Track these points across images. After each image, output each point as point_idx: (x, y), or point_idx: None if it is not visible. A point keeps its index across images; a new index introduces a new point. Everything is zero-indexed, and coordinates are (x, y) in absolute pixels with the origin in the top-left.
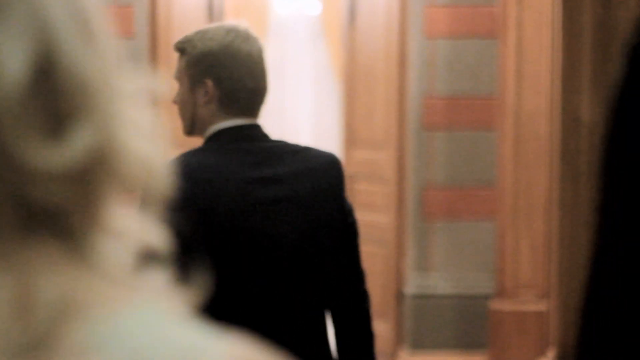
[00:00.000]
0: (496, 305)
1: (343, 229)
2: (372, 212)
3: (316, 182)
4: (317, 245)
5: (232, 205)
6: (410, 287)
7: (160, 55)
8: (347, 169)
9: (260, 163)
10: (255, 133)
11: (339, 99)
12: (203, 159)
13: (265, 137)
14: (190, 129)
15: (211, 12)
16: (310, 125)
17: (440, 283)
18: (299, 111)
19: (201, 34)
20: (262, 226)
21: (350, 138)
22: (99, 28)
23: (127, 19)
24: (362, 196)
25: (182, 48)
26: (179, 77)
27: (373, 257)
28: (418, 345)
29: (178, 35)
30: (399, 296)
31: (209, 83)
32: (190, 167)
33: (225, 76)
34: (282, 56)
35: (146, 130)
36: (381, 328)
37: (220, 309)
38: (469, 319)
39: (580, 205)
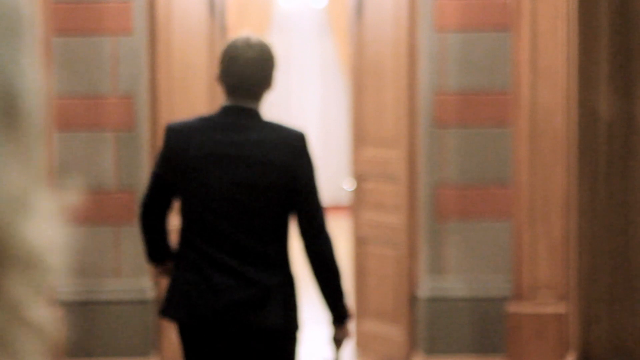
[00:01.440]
0: (513, 308)
1: (297, 186)
2: (383, 213)
3: (275, 150)
4: (273, 194)
5: (200, 159)
6: (424, 290)
7: (160, 52)
8: (356, 168)
9: (231, 130)
10: (240, 111)
11: (347, 95)
12: (188, 123)
13: (248, 114)
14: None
15: (212, 8)
16: (318, 121)
17: (455, 285)
18: (306, 108)
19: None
20: (223, 178)
21: (359, 135)
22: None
23: (125, 15)
24: (372, 196)
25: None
26: None
27: (384, 259)
28: (432, 350)
29: (178, 32)
30: (412, 300)
31: (219, 77)
32: (174, 129)
33: (224, 74)
34: (287, 51)
35: (46, 218)
36: (394, 332)
37: (193, 229)
38: (484, 323)
39: (598, 204)
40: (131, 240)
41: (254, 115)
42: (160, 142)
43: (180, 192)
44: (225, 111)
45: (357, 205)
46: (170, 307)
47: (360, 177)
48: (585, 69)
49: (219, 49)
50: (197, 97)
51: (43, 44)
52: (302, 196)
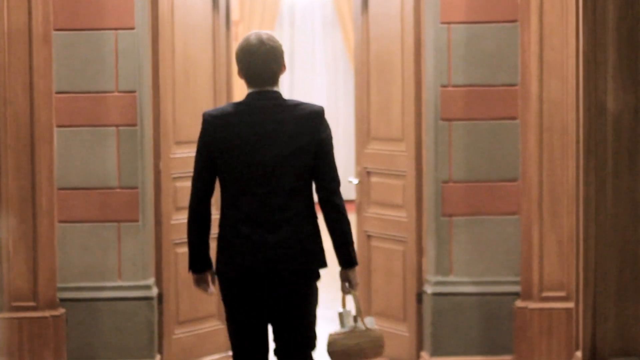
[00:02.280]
0: (521, 304)
1: (318, 153)
2: (389, 209)
3: (298, 125)
4: (298, 162)
5: (236, 140)
6: (431, 287)
7: (164, 47)
8: (362, 162)
9: (262, 110)
10: (264, 95)
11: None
12: (223, 109)
13: (272, 97)
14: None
15: (216, 2)
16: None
17: (462, 282)
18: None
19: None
20: (256, 153)
21: (365, 130)
22: None
23: (127, 9)
24: (378, 191)
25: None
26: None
27: (391, 254)
28: (439, 348)
29: (181, 27)
30: (419, 297)
31: (239, 71)
32: (212, 116)
33: (242, 66)
34: (293, 45)
35: None
36: (401, 331)
37: (233, 197)
38: (492, 320)
39: (606, 199)
40: (134, 238)
41: (278, 96)
42: (163, 137)
43: (224, 168)
44: (253, 96)
45: (363, 200)
46: (220, 265)
47: (366, 172)
48: (591, 62)
49: (223, 43)
50: (200, 92)
51: (43, 38)
52: (323, 159)
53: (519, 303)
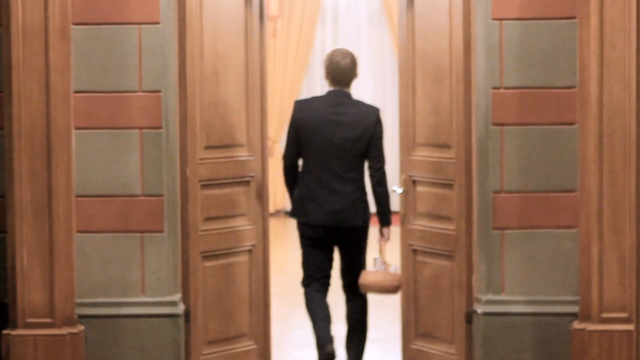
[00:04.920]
0: (579, 326)
1: (372, 141)
2: (436, 221)
3: (361, 118)
4: (357, 145)
5: (317, 122)
6: (481, 306)
7: (192, 43)
8: (407, 171)
9: (336, 105)
10: (340, 93)
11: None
12: (310, 100)
13: (346, 95)
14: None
15: None
16: None
17: (515, 301)
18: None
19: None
20: (329, 134)
21: (410, 135)
22: None
23: (152, 2)
24: (424, 202)
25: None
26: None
27: (438, 270)
28: None
29: (210, 21)
30: (468, 317)
31: (326, 74)
32: (301, 103)
33: (328, 72)
34: (336, 43)
35: None
36: (448, 353)
37: (311, 165)
38: (548, 342)
39: None
40: (158, 250)
41: (349, 95)
42: (190, 140)
43: (306, 144)
44: (332, 94)
45: (407, 211)
46: (294, 212)
47: (411, 181)
48: None
49: (256, 40)
50: (230, 92)
51: (60, 33)
52: (374, 146)
53: (577, 324)
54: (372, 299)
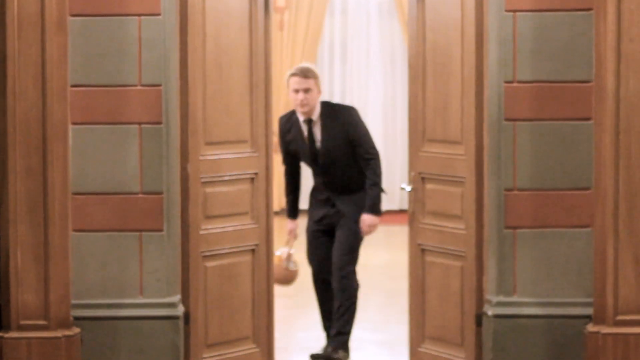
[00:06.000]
0: (594, 329)
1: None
2: (446, 219)
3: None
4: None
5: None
6: (491, 308)
7: (193, 35)
8: (416, 168)
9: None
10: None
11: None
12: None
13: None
14: (312, 108)
15: None
16: (381, 114)
17: (527, 303)
18: (367, 99)
19: (312, 66)
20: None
21: (419, 131)
22: None
23: None
24: (434, 200)
25: (307, 75)
26: (311, 87)
27: (447, 271)
28: None
29: (213, 13)
30: (479, 319)
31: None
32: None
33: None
34: (345, 36)
35: None
36: (457, 357)
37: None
38: (561, 346)
39: None
40: (157, 249)
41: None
42: (191, 136)
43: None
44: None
45: (416, 209)
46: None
47: (420, 178)
48: None
49: (261, 32)
50: (234, 86)
51: (57, 25)
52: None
53: (591, 327)
54: (381, 299)
